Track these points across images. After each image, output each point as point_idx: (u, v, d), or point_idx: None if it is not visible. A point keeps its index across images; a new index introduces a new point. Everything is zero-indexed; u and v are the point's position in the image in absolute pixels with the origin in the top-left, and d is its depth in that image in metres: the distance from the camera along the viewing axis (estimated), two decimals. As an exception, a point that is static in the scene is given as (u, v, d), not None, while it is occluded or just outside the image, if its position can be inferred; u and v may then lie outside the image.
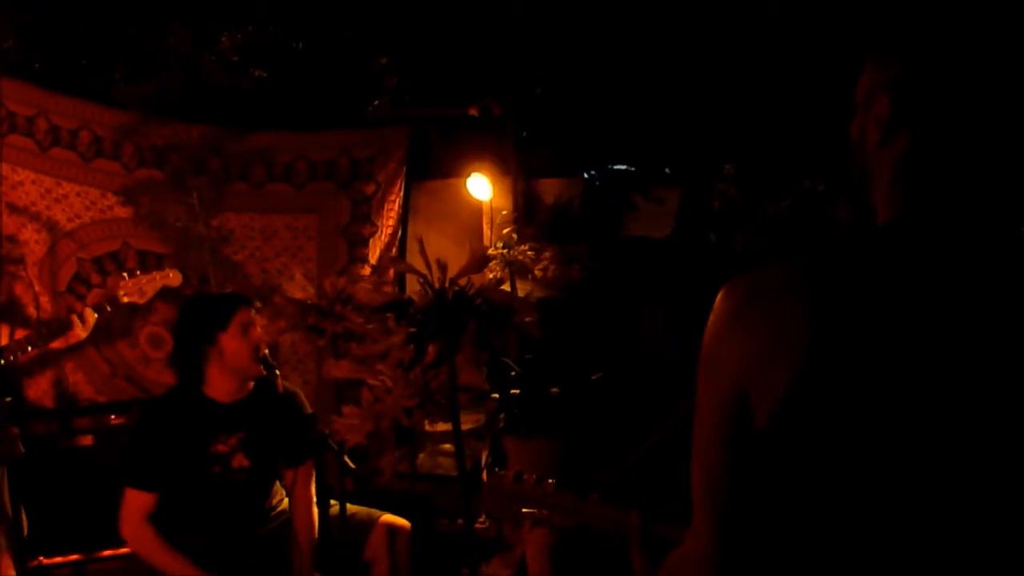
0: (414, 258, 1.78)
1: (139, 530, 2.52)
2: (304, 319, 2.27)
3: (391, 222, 4.13)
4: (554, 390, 2.91)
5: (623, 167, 4.42)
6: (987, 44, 0.94)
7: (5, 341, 2.81)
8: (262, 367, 2.57)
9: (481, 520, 3.03)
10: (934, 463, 0.87)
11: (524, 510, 1.31)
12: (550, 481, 1.31)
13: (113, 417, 3.62)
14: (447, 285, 1.71)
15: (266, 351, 2.61)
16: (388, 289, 3.35)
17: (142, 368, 3.75)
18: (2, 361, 2.81)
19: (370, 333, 1.79)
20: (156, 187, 3.69)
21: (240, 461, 2.64)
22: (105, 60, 3.70)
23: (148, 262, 3.71)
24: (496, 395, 2.97)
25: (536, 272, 3.65)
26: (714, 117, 3.94)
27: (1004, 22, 0.93)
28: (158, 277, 3.06)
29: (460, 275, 1.71)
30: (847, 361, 0.88)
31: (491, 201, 3.98)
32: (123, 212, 3.72)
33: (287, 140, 3.99)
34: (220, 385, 2.65)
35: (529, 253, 3.64)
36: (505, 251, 3.60)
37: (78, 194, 3.69)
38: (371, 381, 1.88)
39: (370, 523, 2.78)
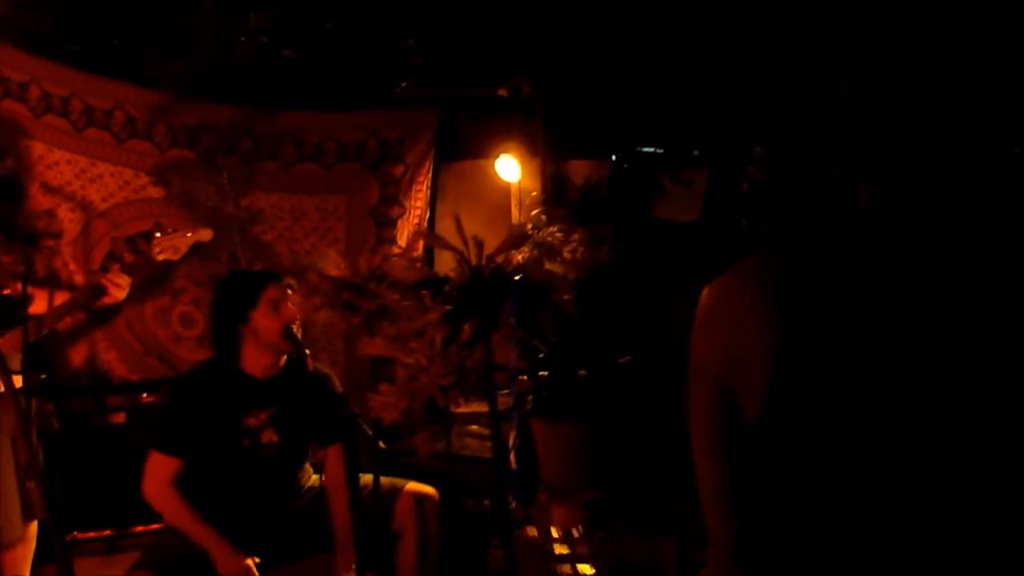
0: (447, 237, 1.78)
1: (162, 492, 2.55)
2: (339, 296, 2.27)
3: (419, 203, 4.12)
4: (582, 373, 2.91)
5: (651, 149, 4.39)
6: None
7: (45, 309, 2.83)
8: (291, 343, 2.59)
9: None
10: (908, 446, 0.88)
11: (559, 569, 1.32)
12: (577, 529, 1.33)
13: (145, 395, 3.67)
14: (483, 263, 1.72)
15: (298, 330, 2.63)
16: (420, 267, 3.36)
17: (173, 347, 3.80)
18: (45, 331, 2.85)
19: (405, 311, 1.80)
20: (187, 167, 3.72)
21: (270, 436, 2.67)
22: (137, 41, 3.72)
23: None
24: (524, 376, 2.97)
25: (565, 254, 3.63)
26: (743, 98, 3.89)
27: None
28: (191, 234, 3.09)
29: (498, 252, 1.71)
30: (814, 357, 0.89)
31: (519, 182, 3.97)
32: (155, 192, 3.76)
33: (316, 120, 4.00)
34: (256, 361, 2.68)
35: (558, 235, 3.62)
36: (534, 232, 3.59)
37: (112, 174, 3.72)
38: (405, 359, 1.89)
39: (395, 492, 2.76)
